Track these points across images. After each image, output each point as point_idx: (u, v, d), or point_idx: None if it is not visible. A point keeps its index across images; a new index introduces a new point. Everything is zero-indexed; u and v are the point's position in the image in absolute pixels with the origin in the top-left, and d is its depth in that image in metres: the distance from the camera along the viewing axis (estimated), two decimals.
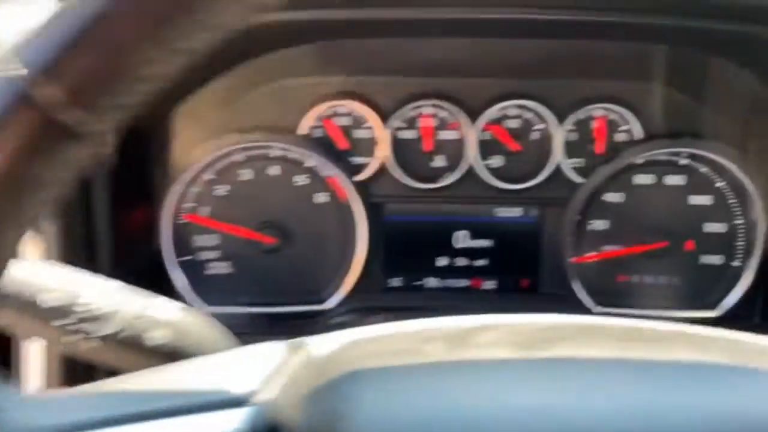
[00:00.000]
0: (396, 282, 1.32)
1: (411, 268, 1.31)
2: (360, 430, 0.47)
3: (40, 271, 0.70)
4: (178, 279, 1.25)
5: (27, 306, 0.67)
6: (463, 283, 1.32)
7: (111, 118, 0.47)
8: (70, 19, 0.45)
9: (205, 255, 1.27)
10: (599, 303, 1.29)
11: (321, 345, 0.60)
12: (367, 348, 0.58)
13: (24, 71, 0.44)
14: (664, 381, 0.52)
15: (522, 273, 1.32)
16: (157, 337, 0.72)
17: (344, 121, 1.25)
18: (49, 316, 0.68)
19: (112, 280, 0.73)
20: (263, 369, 0.56)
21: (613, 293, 1.30)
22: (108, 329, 0.69)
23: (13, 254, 0.47)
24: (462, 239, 1.30)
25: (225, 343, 0.78)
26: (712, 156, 1.23)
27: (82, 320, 0.69)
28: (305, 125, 1.24)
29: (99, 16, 0.44)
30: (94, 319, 0.69)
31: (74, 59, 0.44)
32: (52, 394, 0.60)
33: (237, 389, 0.53)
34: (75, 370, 0.95)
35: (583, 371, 0.54)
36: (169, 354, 0.75)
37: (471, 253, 1.30)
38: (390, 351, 0.57)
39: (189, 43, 0.46)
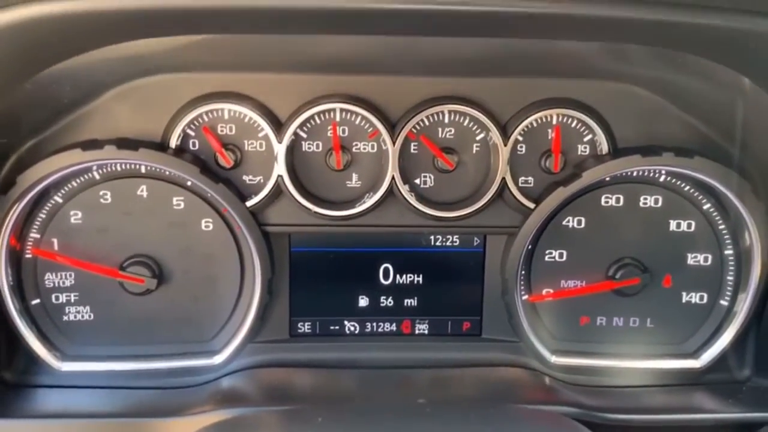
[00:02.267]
0: (305, 327, 1.16)
1: (324, 310, 1.15)
2: None
3: None
4: (25, 332, 1.05)
5: None
6: (389, 326, 1.17)
7: None
8: None
9: (59, 299, 1.07)
10: (556, 352, 1.14)
11: None
12: None
13: None
14: None
15: (462, 314, 1.18)
16: None
17: (227, 130, 1.04)
18: None
19: None
20: None
21: (573, 339, 1.15)
22: None
23: None
24: (388, 274, 1.14)
25: None
26: (696, 174, 1.07)
27: None
28: (176, 136, 1.02)
29: None
30: None
31: None
32: None
33: None
34: None
35: None
36: None
37: (399, 290, 1.15)
38: None
39: None
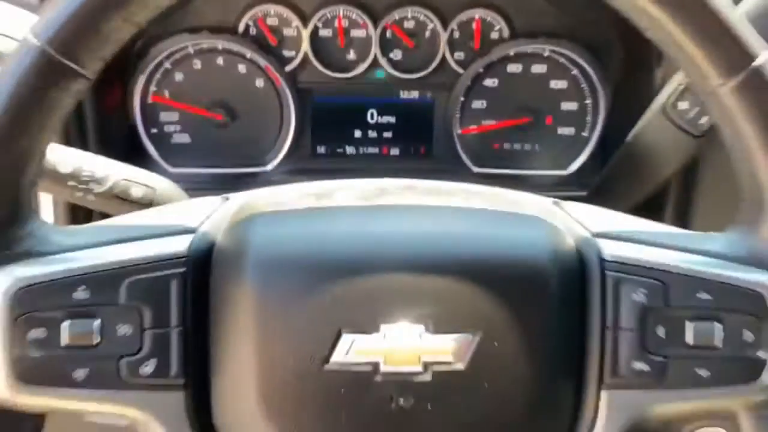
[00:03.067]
0: (322, 150, 1.54)
1: (334, 139, 1.53)
2: (251, 252, 0.71)
3: (57, 151, 1.00)
4: (150, 148, 1.48)
5: (50, 173, 0.97)
6: (374, 150, 1.55)
7: (95, 59, 0.73)
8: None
9: (169, 128, 1.48)
10: (479, 165, 1.53)
11: (241, 198, 0.83)
12: (267, 200, 0.88)
13: (38, 36, 0.65)
14: (443, 217, 0.83)
15: (420, 142, 1.55)
16: (136, 193, 1.03)
17: (273, 22, 1.44)
18: (65, 179, 0.98)
19: (104, 156, 1.04)
20: (205, 212, 0.78)
21: (489, 157, 1.54)
22: (103, 188, 1.00)
23: (43, 154, 0.70)
24: (373, 116, 1.52)
25: (182, 197, 1.10)
26: (566, 52, 1.52)
27: (87, 181, 0.99)
28: (243, 25, 1.43)
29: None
30: (95, 181, 1.00)
31: (70, 31, 0.67)
32: (67, 228, 0.80)
33: (187, 224, 0.75)
34: (75, 215, 1.29)
35: (399, 211, 0.84)
36: (145, 204, 1.07)
37: (380, 127, 1.53)
38: (280, 202, 0.79)
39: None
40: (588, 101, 1.50)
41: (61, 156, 0.99)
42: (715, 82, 0.74)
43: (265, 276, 0.71)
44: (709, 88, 0.72)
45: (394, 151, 1.55)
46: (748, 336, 0.72)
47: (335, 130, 1.53)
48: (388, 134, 1.54)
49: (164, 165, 1.47)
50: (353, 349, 0.70)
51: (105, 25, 0.66)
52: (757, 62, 0.72)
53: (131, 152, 1.50)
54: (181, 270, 0.71)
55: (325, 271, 0.70)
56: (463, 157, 1.53)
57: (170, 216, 0.79)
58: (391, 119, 1.53)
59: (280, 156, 1.50)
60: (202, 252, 0.73)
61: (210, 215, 0.78)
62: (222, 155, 1.49)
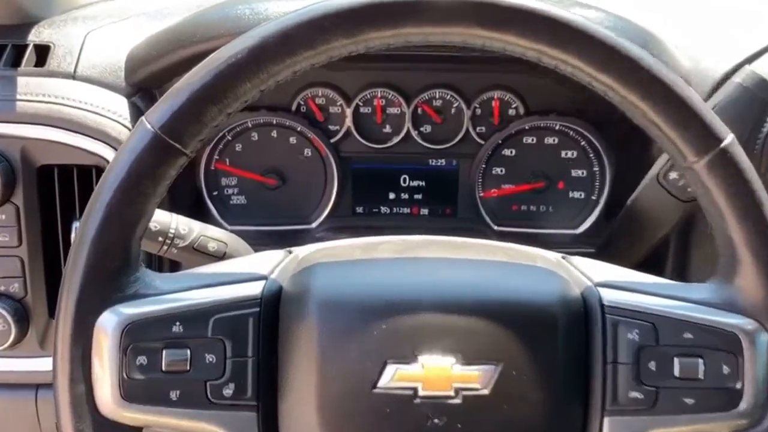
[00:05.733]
0: (360, 210, 1.61)
1: (371, 200, 1.61)
2: (313, 296, 0.83)
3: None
4: (211, 208, 1.56)
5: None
6: (406, 210, 1.62)
7: (195, 140, 0.89)
8: (179, 95, 0.85)
9: (228, 191, 1.57)
10: (498, 224, 1.59)
11: (302, 251, 0.96)
12: (324, 253, 1.02)
13: (152, 123, 0.85)
14: (469, 268, 0.96)
15: (446, 204, 1.63)
16: (213, 247, 1.18)
17: (321, 101, 1.55)
18: (156, 236, 1.14)
19: (184, 216, 1.20)
20: (273, 262, 0.90)
21: (508, 217, 1.60)
22: (185, 242, 1.15)
23: (150, 216, 0.81)
24: (405, 181, 1.61)
25: (249, 251, 1.25)
26: (574, 126, 1.53)
27: (173, 237, 1.15)
28: (295, 104, 1.54)
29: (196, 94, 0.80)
30: (179, 237, 1.15)
31: (177, 119, 0.85)
32: (166, 274, 0.93)
33: (260, 272, 0.87)
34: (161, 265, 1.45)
35: (433, 262, 0.98)
36: (220, 256, 1.22)
37: (411, 190, 1.61)
38: (334, 254, 1.00)
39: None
40: (596, 169, 1.57)
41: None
42: (691, 159, 0.87)
43: (324, 315, 0.83)
44: (686, 164, 0.85)
45: (424, 211, 1.63)
46: (727, 370, 0.82)
47: (372, 193, 1.60)
48: (418, 196, 1.61)
49: (223, 223, 1.53)
50: (396, 377, 0.81)
51: (204, 115, 0.81)
52: (724, 143, 0.86)
53: (195, 211, 1.51)
54: (256, 310, 0.84)
55: (372, 312, 0.82)
56: (485, 217, 1.59)
57: (245, 266, 0.90)
58: (421, 183, 1.61)
59: (324, 215, 1.57)
60: (272, 295, 0.86)
61: (278, 265, 0.91)
62: (273, 215, 1.56)
